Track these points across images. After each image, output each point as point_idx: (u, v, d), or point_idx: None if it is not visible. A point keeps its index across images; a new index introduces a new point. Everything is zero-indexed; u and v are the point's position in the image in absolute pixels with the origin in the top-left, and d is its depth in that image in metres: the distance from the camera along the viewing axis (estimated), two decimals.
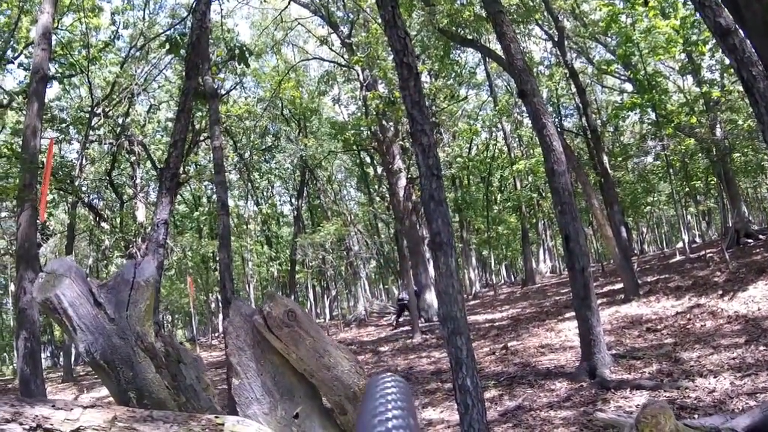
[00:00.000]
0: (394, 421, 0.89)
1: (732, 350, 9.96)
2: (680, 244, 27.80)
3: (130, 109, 26.81)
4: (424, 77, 26.10)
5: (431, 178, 5.06)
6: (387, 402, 0.95)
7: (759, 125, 5.50)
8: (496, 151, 36.65)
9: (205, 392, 3.09)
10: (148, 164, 31.09)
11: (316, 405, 2.71)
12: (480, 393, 5.19)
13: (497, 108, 28.87)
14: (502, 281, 44.78)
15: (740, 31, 5.75)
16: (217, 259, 17.74)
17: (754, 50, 7.45)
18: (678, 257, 23.85)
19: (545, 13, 21.03)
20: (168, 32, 16.12)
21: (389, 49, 5.65)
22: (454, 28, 18.65)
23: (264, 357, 2.69)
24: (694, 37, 19.39)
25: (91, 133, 25.04)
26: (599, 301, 17.24)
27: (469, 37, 19.59)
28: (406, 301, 24.66)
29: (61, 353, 28.42)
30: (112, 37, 25.71)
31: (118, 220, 29.48)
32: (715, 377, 8.81)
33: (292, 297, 34.20)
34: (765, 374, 8.42)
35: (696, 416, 7.00)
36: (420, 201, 16.77)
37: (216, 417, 2.41)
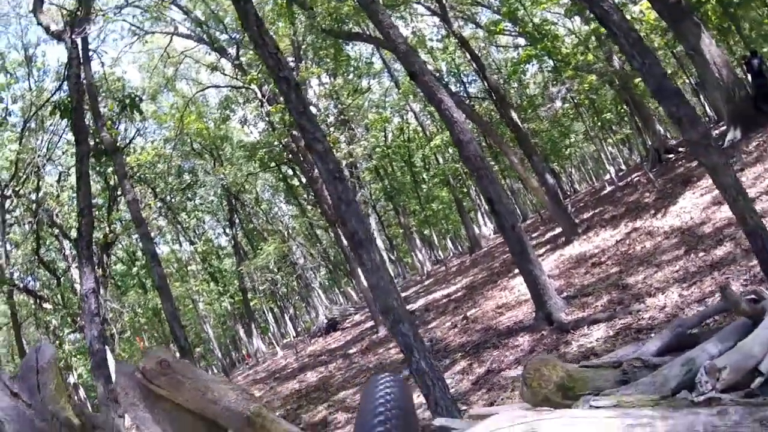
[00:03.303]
0: (395, 421, 0.93)
1: (674, 263, 10.33)
2: (607, 176, 28.61)
3: (40, 183, 26.03)
4: (324, 78, 26.14)
5: (334, 182, 5.14)
6: (387, 402, 0.97)
7: (624, 55, 5.75)
8: (411, 132, 36.94)
9: None
10: (74, 233, 30.25)
11: None
12: (437, 371, 5.33)
13: (401, 91, 29.10)
14: (451, 254, 45.21)
15: None
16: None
17: None
18: (608, 189, 24.42)
19: None
20: (53, 99, 15.72)
21: None
22: (337, 25, 18.74)
23: (157, 406, 2.81)
24: None
25: (7, 216, 24.26)
26: (543, 249, 17.72)
27: (355, 29, 19.72)
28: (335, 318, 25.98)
29: None
30: (4, 114, 24.84)
31: (59, 296, 28.68)
32: (663, 294, 9.14)
33: (251, 325, 33.92)
34: (709, 279, 8.77)
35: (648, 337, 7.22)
36: None
37: None
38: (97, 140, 10.98)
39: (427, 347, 5.37)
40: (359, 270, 21.41)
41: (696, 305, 8.09)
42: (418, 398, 10.07)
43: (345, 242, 22.61)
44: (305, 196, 34.79)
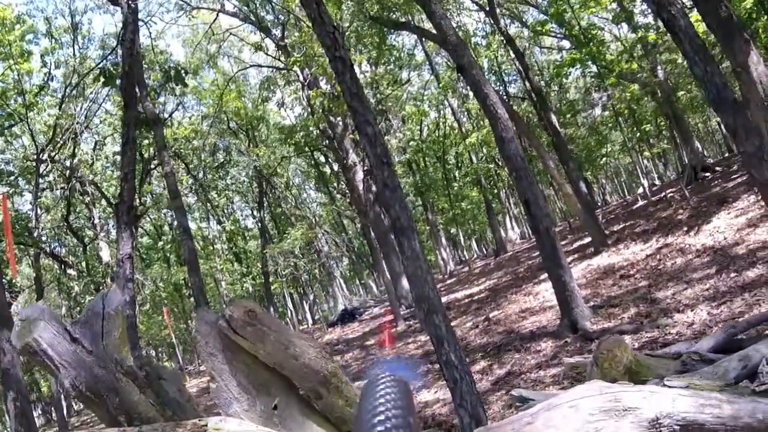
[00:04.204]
0: (394, 420, 0.91)
1: (704, 282, 10.20)
2: (641, 190, 28.25)
3: (76, 150, 26.32)
4: (365, 66, 26.10)
5: (382, 167, 5.11)
6: (387, 402, 0.96)
7: (687, 61, 5.65)
8: (447, 128, 36.71)
9: (188, 403, 3.20)
10: (104, 202, 30.60)
11: (292, 395, 2.81)
12: (465, 365, 5.27)
13: (441, 85, 28.91)
14: (475, 255, 45.09)
15: None
16: (189, 284, 17.59)
17: None
18: (640, 202, 24.16)
19: None
20: (100, 65, 15.84)
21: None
22: (385, 13, 18.68)
23: (235, 358, 2.79)
24: None
25: (41, 180, 24.56)
26: (570, 258, 17.55)
27: (402, 19, 19.65)
28: (355, 309, 25.91)
29: (53, 408, 27.96)
30: (46, 79, 25.11)
31: (84, 263, 29.03)
32: (692, 310, 9.03)
33: (271, 309, 34.08)
34: (739, 299, 8.65)
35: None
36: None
37: (199, 420, 2.50)
38: (141, 110, 11.04)
39: (458, 340, 5.32)
40: (384, 264, 21.43)
41: (724, 324, 7.99)
42: (436, 393, 10.17)
43: (372, 234, 22.63)
44: (335, 184, 34.82)
